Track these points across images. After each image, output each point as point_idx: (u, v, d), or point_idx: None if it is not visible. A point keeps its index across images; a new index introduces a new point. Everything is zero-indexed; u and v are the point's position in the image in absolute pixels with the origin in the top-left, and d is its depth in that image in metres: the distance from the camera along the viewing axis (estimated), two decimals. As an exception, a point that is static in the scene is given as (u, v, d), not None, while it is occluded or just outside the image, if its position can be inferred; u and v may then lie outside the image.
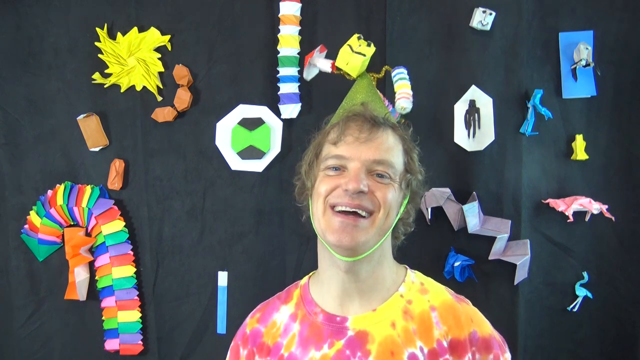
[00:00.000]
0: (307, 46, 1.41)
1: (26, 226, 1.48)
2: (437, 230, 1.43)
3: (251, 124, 1.44)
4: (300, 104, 1.43)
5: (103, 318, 1.49)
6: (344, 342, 0.93)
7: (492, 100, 1.40)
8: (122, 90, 1.47)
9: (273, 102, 1.45)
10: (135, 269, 1.48)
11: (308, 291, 1.04)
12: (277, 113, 1.44)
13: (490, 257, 1.40)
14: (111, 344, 1.49)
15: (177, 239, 1.49)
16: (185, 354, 1.50)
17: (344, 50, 1.20)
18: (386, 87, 1.37)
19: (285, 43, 1.40)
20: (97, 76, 1.46)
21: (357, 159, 0.93)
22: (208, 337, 1.50)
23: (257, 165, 1.45)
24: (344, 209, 0.92)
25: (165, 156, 1.48)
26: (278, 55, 1.41)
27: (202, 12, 1.45)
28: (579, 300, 1.43)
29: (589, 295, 1.43)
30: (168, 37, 1.44)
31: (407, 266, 1.05)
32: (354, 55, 1.19)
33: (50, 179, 1.49)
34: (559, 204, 1.39)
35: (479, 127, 1.41)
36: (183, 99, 1.43)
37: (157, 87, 1.46)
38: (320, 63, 1.29)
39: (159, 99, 1.46)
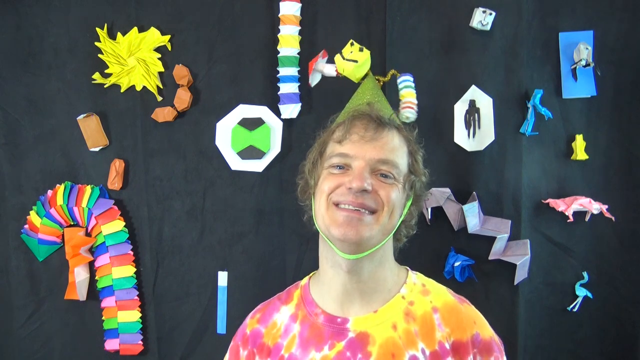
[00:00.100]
0: (307, 46, 1.41)
1: (26, 226, 1.48)
2: (437, 230, 1.43)
3: (251, 124, 1.44)
4: (300, 104, 1.42)
5: (103, 318, 1.49)
6: (345, 343, 0.93)
7: (492, 100, 1.40)
8: (122, 90, 1.46)
9: (273, 102, 1.44)
10: (135, 269, 1.48)
11: (308, 292, 1.04)
12: (277, 113, 1.44)
13: (490, 257, 1.40)
14: (111, 344, 1.49)
15: (177, 239, 1.49)
16: (185, 354, 1.50)
17: (337, 59, 1.21)
18: (387, 91, 1.34)
19: (285, 43, 1.40)
20: (97, 76, 1.45)
21: (361, 158, 0.93)
22: (208, 337, 1.49)
23: (257, 165, 1.45)
24: (347, 207, 0.91)
25: (165, 156, 1.48)
26: (278, 55, 1.41)
27: (202, 12, 1.45)
28: (579, 300, 1.43)
29: (589, 295, 1.43)
30: (168, 37, 1.44)
31: (408, 268, 1.05)
32: (346, 63, 1.19)
33: (50, 179, 1.49)
34: (559, 204, 1.39)
35: (479, 127, 1.40)
36: (183, 99, 1.43)
37: (157, 87, 1.46)
38: (325, 69, 1.29)
39: (159, 99, 1.46)
